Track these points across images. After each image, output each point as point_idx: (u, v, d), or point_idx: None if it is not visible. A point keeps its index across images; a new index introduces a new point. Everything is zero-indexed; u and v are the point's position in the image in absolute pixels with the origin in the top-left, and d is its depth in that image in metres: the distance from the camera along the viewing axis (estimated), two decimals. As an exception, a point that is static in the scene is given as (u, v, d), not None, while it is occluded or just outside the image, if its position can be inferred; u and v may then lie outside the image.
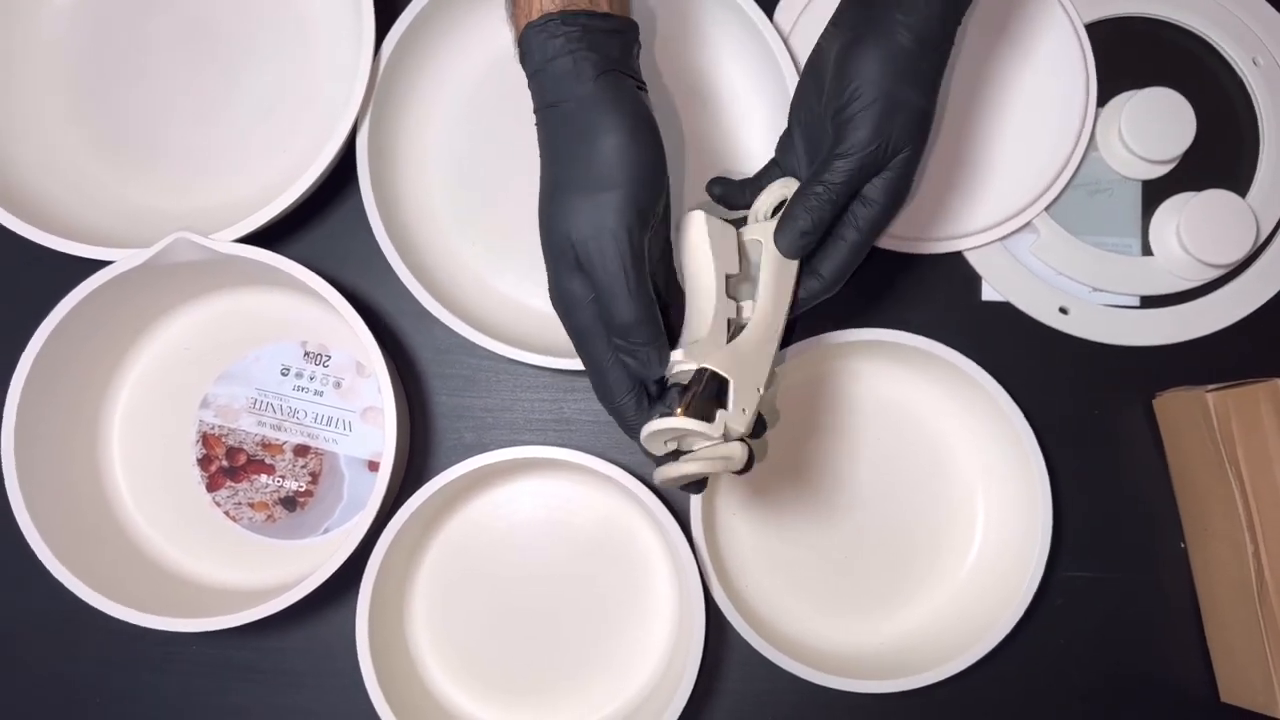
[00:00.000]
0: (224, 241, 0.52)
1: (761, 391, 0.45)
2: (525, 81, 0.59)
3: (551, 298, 0.45)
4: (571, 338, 0.45)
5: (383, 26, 0.55)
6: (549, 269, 0.44)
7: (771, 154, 0.52)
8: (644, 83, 0.45)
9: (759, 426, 0.46)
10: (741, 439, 0.44)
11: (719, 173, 0.58)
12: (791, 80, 0.55)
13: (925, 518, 0.59)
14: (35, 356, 0.52)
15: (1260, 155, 0.61)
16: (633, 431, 0.45)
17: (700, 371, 0.43)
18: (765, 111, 0.58)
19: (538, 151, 0.58)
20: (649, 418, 0.44)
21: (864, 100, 0.44)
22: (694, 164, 0.59)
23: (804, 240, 0.46)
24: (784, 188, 0.49)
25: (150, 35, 0.60)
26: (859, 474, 0.59)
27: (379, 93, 0.55)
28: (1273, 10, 0.61)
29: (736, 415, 0.43)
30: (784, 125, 0.51)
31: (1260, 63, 0.61)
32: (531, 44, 0.44)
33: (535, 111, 0.44)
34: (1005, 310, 0.60)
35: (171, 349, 0.58)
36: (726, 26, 0.58)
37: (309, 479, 0.58)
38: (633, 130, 0.42)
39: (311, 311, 0.58)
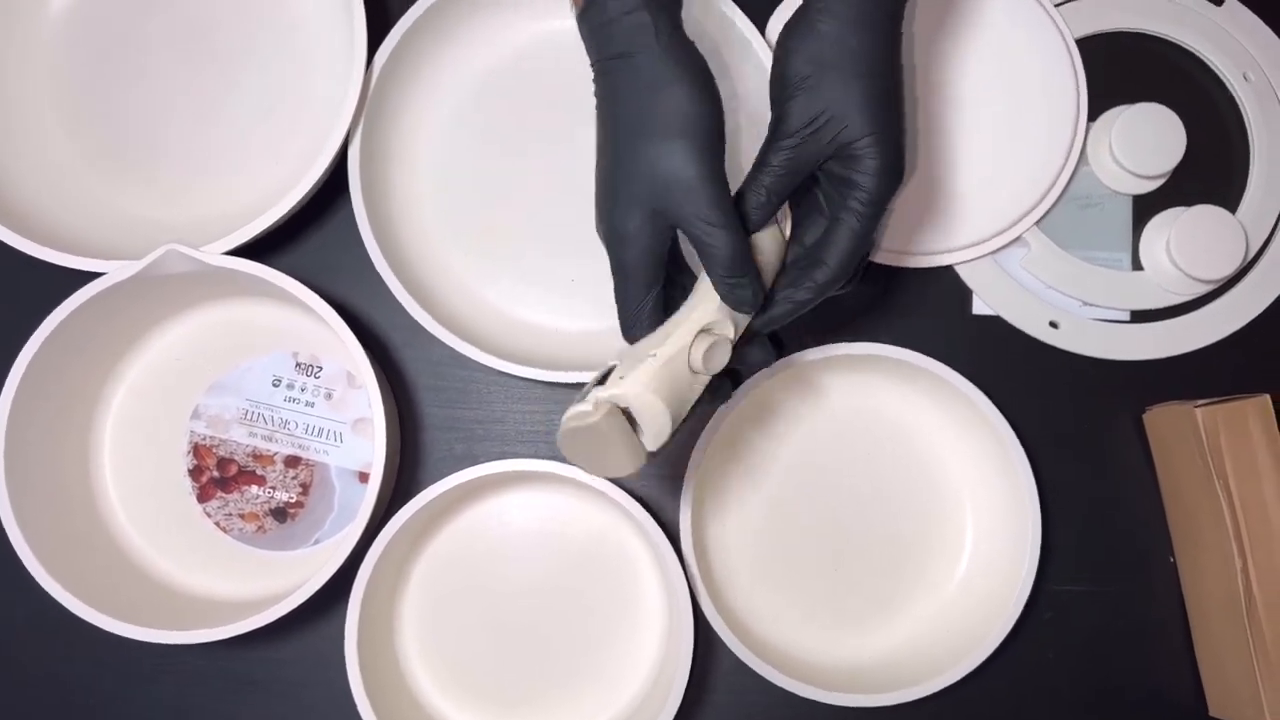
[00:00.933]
0: (214, 254, 0.52)
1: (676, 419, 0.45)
2: (516, 93, 0.60)
3: (602, 229, 0.46)
4: (613, 272, 0.46)
5: (375, 38, 0.55)
6: (608, 206, 0.46)
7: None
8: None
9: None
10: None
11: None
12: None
13: (914, 531, 0.59)
14: (26, 368, 0.52)
15: (1250, 171, 0.61)
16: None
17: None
18: (755, 127, 0.58)
19: (535, 158, 0.59)
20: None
21: (787, 84, 0.45)
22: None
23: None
24: None
25: (142, 45, 0.60)
26: (847, 487, 0.59)
27: (371, 104, 0.55)
28: (1264, 26, 0.61)
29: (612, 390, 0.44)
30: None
31: (1251, 78, 0.61)
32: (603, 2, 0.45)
33: (596, 63, 0.46)
34: (995, 324, 0.60)
35: (163, 360, 0.58)
36: (716, 38, 0.58)
37: (300, 490, 0.58)
38: (701, 83, 0.45)
39: (303, 323, 0.58)
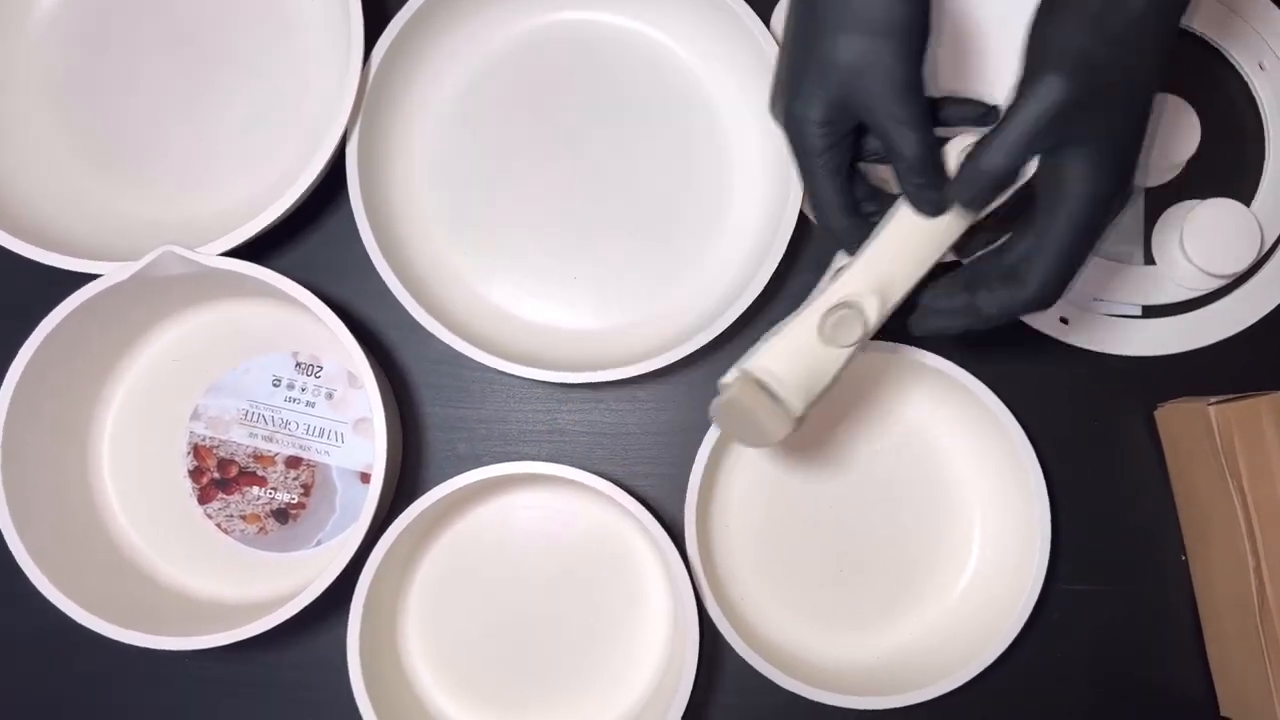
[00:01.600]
0: (211, 255, 0.51)
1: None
2: (517, 89, 0.59)
3: (785, 115, 0.45)
4: (795, 157, 0.46)
5: (372, 34, 0.54)
6: (796, 90, 0.44)
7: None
8: None
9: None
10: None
11: (709, 178, 0.57)
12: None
13: (922, 530, 0.58)
14: (23, 371, 0.51)
15: (1265, 162, 0.60)
16: (843, 236, 0.47)
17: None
18: (759, 123, 0.58)
19: (536, 155, 0.59)
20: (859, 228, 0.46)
21: (1042, 58, 0.42)
22: (681, 172, 0.58)
23: (980, 184, 0.44)
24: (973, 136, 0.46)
25: (137, 44, 0.59)
26: (855, 486, 0.58)
27: (368, 102, 0.54)
28: None
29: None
30: (776, 131, 0.50)
31: (1266, 67, 0.60)
32: None
33: None
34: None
35: (161, 361, 0.58)
36: (719, 30, 0.57)
37: (301, 491, 0.57)
38: None
39: (302, 322, 0.57)
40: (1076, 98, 0.41)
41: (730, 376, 0.45)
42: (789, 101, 0.45)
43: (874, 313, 0.45)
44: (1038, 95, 0.41)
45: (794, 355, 0.45)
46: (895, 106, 0.43)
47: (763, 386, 0.44)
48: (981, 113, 0.48)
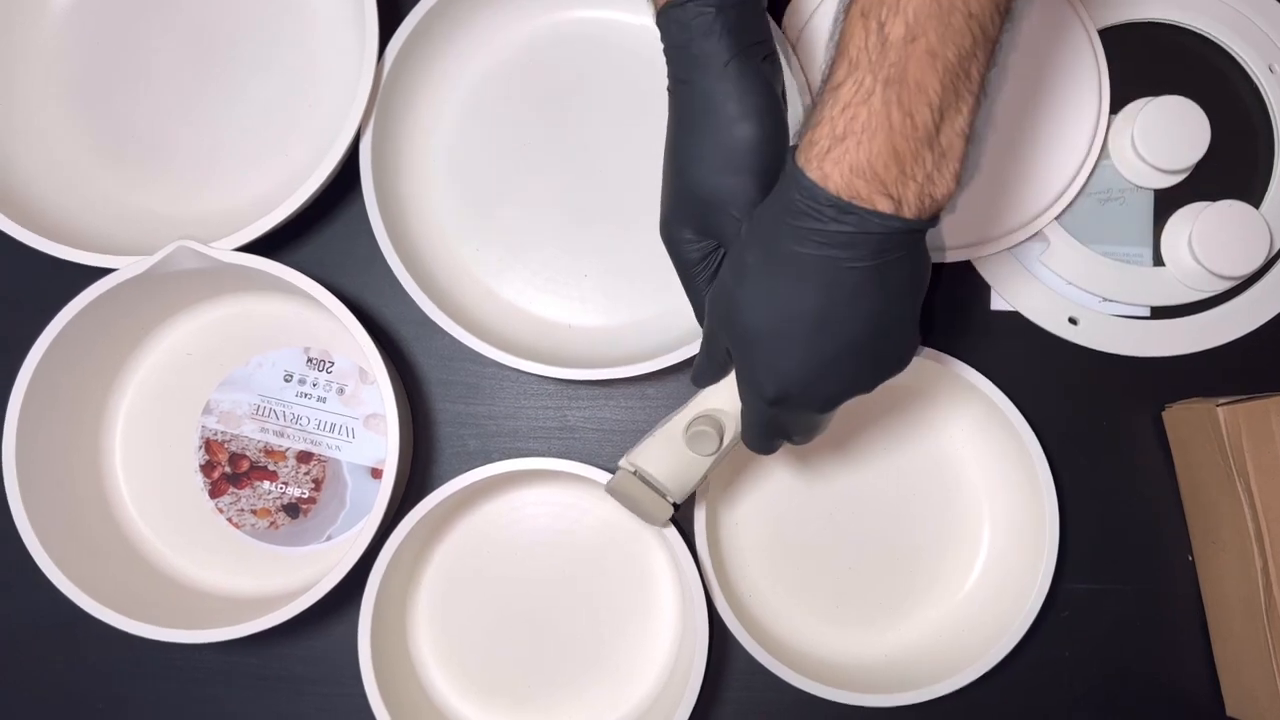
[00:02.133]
0: (225, 250, 0.52)
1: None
2: (530, 86, 0.59)
3: (664, 232, 0.48)
4: (676, 269, 0.48)
5: (386, 30, 0.54)
6: (670, 211, 0.47)
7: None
8: (773, 51, 0.46)
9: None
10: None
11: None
12: (799, 89, 0.54)
13: (930, 528, 0.58)
14: (36, 365, 0.51)
15: (1275, 165, 0.60)
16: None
17: None
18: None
19: (549, 152, 0.59)
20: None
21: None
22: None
23: None
24: None
25: (152, 39, 0.59)
26: (863, 484, 0.58)
27: (382, 99, 0.54)
28: (1290, 16, 0.60)
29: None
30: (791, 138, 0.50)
31: (1277, 70, 0.60)
32: (669, 24, 0.45)
33: (671, 82, 0.46)
34: (1014, 320, 0.59)
35: (174, 355, 0.58)
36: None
37: (312, 486, 0.57)
38: (759, 115, 0.44)
39: (314, 318, 0.57)
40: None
41: (621, 464, 0.49)
42: (664, 220, 0.47)
43: (730, 430, 0.48)
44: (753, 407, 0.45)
45: (666, 455, 0.49)
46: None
47: (643, 478, 0.49)
48: None
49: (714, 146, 0.44)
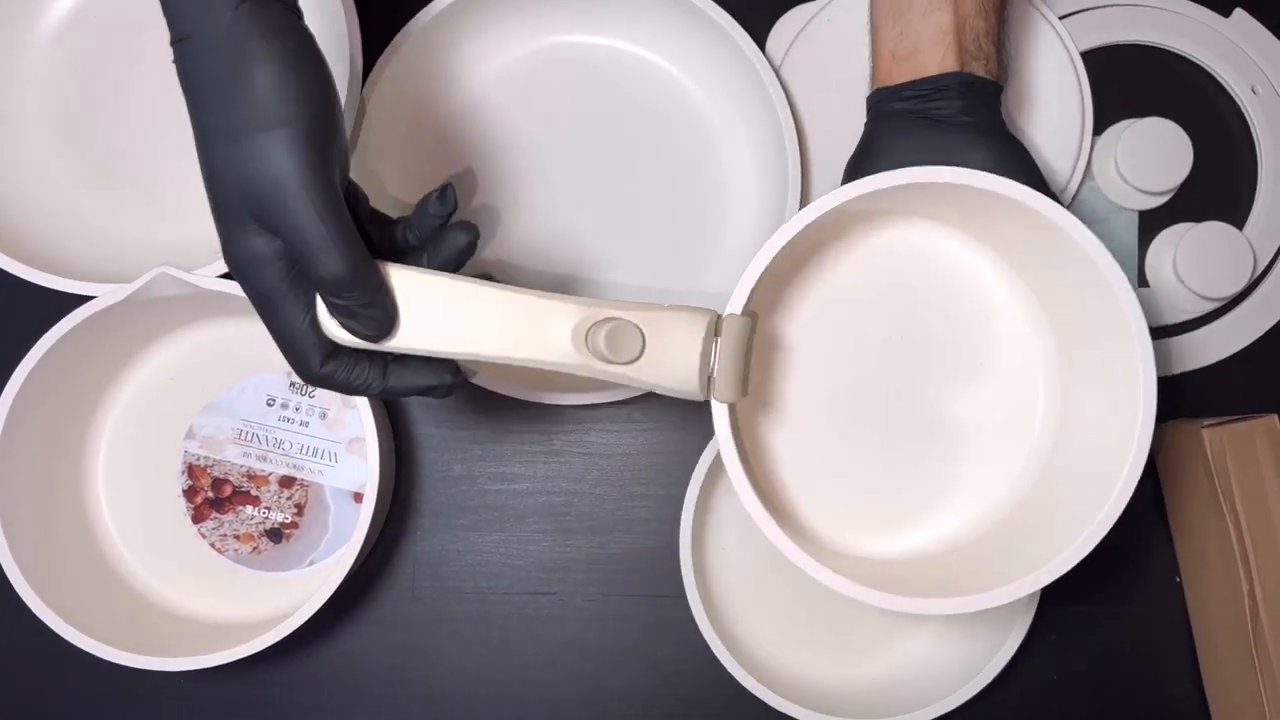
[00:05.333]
0: (206, 277, 0.51)
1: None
2: (514, 108, 0.59)
3: (228, 263, 0.38)
4: (256, 307, 0.39)
5: (371, 56, 0.54)
6: (220, 230, 0.38)
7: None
8: (298, 8, 0.38)
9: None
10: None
11: (705, 202, 0.57)
12: (782, 111, 0.54)
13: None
14: (17, 392, 0.51)
15: (1258, 186, 0.60)
16: (341, 387, 0.41)
17: None
18: (754, 146, 0.58)
19: (533, 175, 0.58)
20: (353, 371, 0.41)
21: None
22: (678, 193, 0.59)
23: None
24: None
25: (135, 67, 0.59)
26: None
27: (367, 123, 0.54)
28: (1272, 37, 0.60)
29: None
30: (771, 156, 0.50)
31: (1259, 91, 0.60)
32: None
33: (171, 45, 0.37)
34: (999, 341, 0.59)
35: (156, 381, 0.58)
36: (714, 54, 0.57)
37: (294, 510, 0.57)
38: (293, 57, 0.36)
39: (297, 342, 0.57)
40: None
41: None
42: (223, 246, 0.38)
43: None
44: None
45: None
46: (302, 217, 0.36)
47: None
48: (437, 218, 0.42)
49: (245, 104, 0.35)
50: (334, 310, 0.38)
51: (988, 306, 0.48)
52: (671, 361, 0.41)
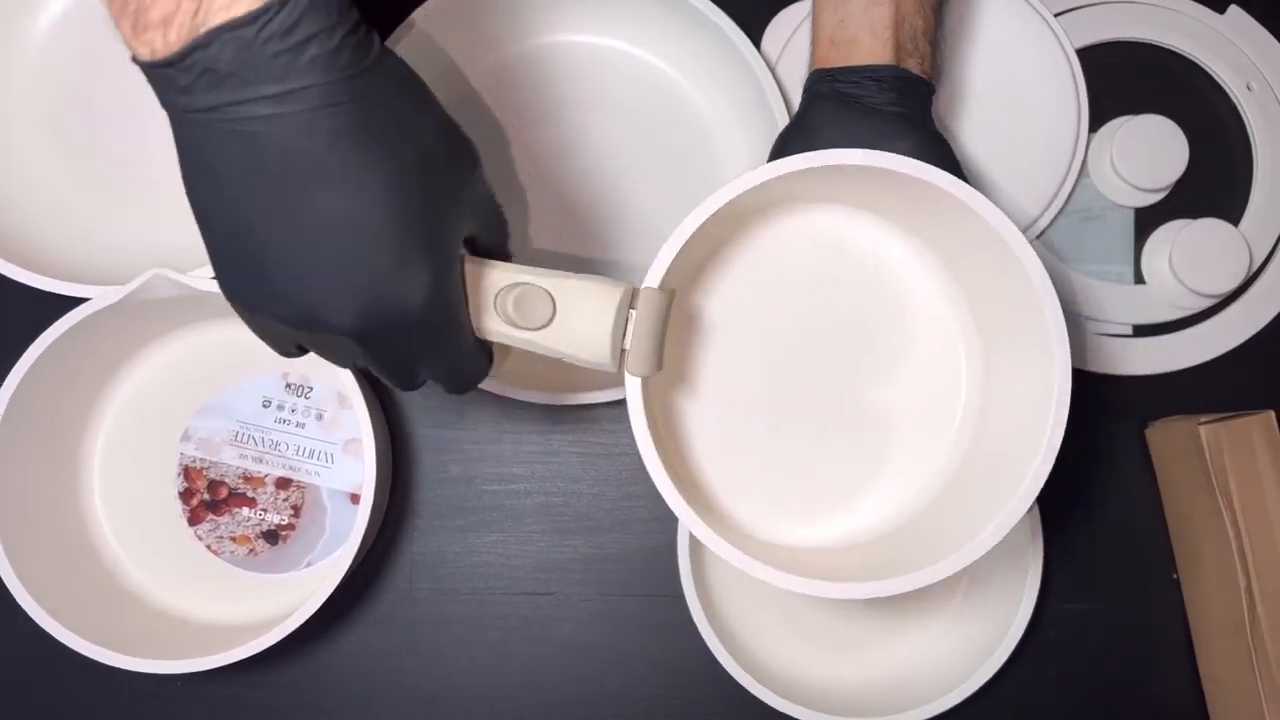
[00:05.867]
0: (202, 278, 0.51)
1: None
2: (510, 110, 0.59)
3: (386, 370, 0.38)
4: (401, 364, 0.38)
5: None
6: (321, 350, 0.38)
7: None
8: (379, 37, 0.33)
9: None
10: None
11: (700, 199, 0.57)
12: (778, 109, 0.54)
13: (915, 549, 0.58)
14: (12, 395, 0.51)
15: (1253, 182, 0.60)
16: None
17: None
18: (749, 143, 0.58)
19: (529, 175, 0.59)
20: None
21: None
22: (675, 192, 0.59)
23: None
24: None
25: (131, 69, 0.58)
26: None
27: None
28: (1267, 34, 0.61)
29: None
30: (767, 154, 0.50)
31: (1254, 88, 0.60)
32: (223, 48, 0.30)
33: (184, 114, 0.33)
34: (996, 339, 0.59)
35: (151, 382, 0.58)
36: (710, 52, 0.57)
37: (291, 512, 0.57)
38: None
39: (293, 343, 0.57)
40: None
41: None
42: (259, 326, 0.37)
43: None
44: None
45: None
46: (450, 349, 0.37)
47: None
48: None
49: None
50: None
51: (910, 294, 0.47)
52: (583, 331, 0.40)
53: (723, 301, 0.47)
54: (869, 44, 0.47)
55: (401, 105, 0.33)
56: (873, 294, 0.47)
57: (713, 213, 0.42)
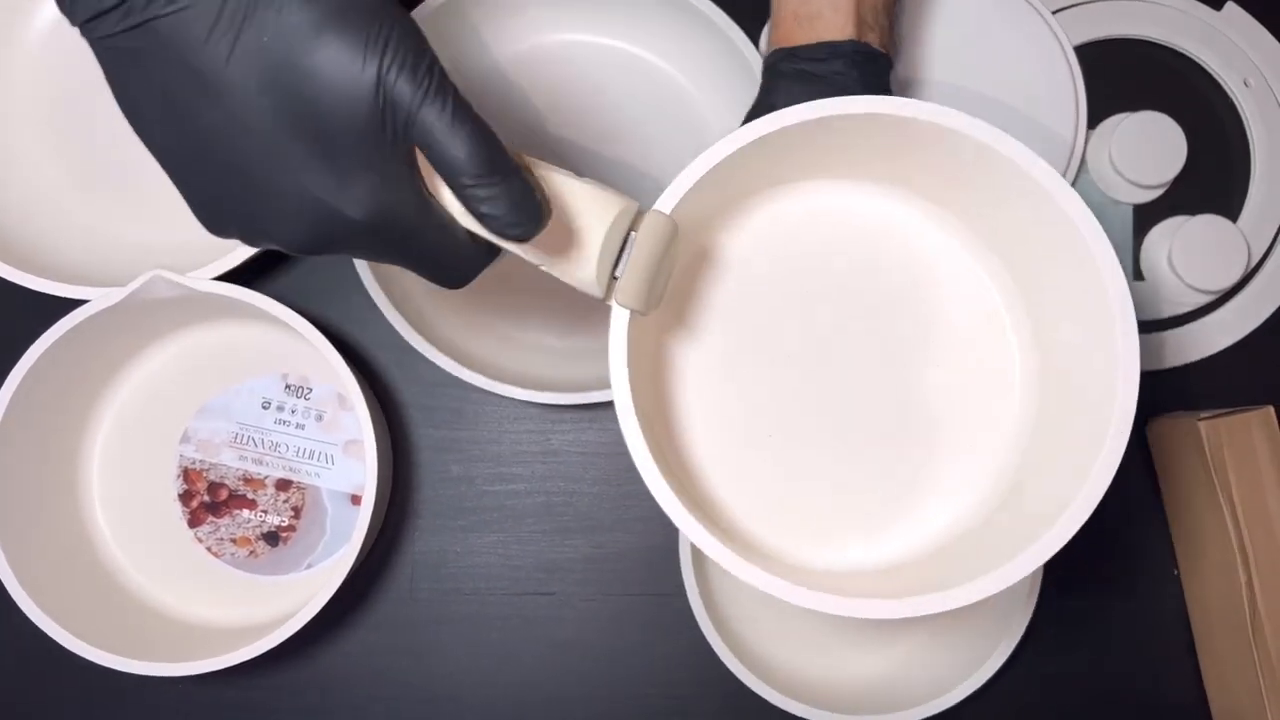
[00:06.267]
0: (201, 279, 0.51)
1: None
2: (510, 109, 0.59)
3: (369, 212, 0.33)
4: (402, 245, 0.35)
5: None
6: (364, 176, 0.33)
7: None
8: None
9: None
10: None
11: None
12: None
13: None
14: (11, 396, 0.51)
15: (1251, 179, 0.60)
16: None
17: None
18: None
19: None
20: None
21: None
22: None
23: None
24: None
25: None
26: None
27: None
28: (1264, 31, 0.61)
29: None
30: None
31: (1251, 84, 0.60)
32: None
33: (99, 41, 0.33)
34: (996, 336, 0.59)
35: (151, 384, 0.58)
36: (710, 52, 0.57)
37: (291, 513, 0.57)
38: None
39: (292, 344, 0.57)
40: None
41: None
42: (363, 196, 0.33)
43: None
44: None
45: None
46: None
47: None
48: None
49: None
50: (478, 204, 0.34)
51: (944, 275, 0.43)
52: (569, 240, 0.35)
53: (743, 259, 0.43)
54: (831, 19, 0.47)
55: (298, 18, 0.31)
56: (907, 276, 0.43)
57: (748, 142, 0.38)
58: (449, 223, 0.35)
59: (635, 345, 0.38)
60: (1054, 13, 0.59)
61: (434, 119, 0.32)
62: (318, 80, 0.31)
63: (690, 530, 0.37)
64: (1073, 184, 0.59)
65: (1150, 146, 0.57)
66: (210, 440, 0.57)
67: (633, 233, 0.37)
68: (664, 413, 0.43)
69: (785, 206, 0.45)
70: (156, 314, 0.54)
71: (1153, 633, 0.59)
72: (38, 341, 0.51)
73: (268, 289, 0.52)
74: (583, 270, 0.36)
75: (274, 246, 0.35)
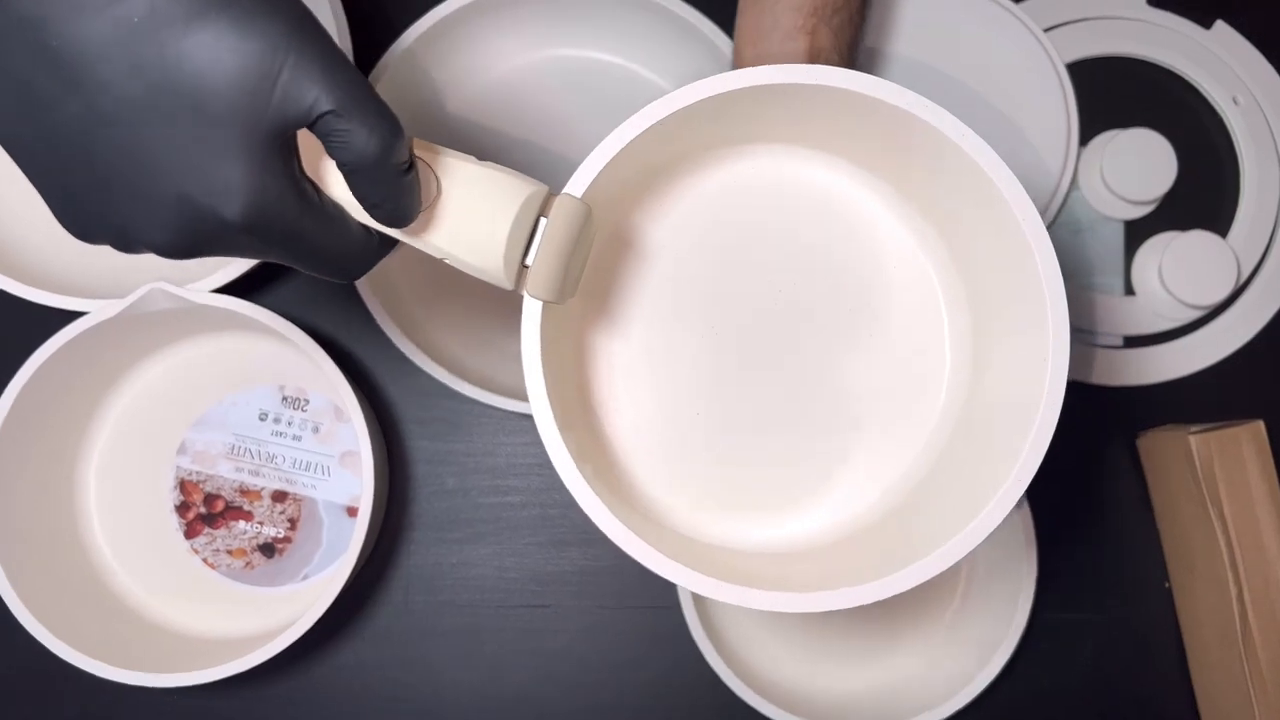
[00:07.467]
0: (199, 291, 0.51)
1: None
2: (504, 122, 0.59)
3: (251, 207, 0.30)
4: (289, 241, 0.32)
5: (362, 67, 0.54)
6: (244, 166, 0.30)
7: None
8: None
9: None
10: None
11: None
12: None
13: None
14: (9, 408, 0.51)
15: (1241, 195, 0.61)
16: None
17: None
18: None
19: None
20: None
21: None
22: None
23: None
24: None
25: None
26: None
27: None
28: (1252, 49, 0.61)
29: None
30: None
31: (1240, 102, 0.61)
32: None
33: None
34: (988, 351, 0.60)
35: (148, 395, 0.58)
36: (703, 69, 0.57)
37: (287, 525, 0.57)
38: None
39: (289, 356, 0.57)
40: None
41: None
42: (244, 184, 0.30)
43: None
44: None
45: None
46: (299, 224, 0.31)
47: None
48: None
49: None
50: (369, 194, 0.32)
51: (886, 251, 0.41)
52: (472, 228, 0.33)
53: (665, 241, 0.41)
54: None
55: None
56: (841, 250, 0.41)
57: (653, 123, 0.36)
58: (336, 215, 0.33)
59: (554, 336, 0.37)
60: (1046, 31, 0.60)
61: (335, 103, 0.29)
62: (193, 63, 0.28)
63: (590, 507, 0.37)
64: (1064, 200, 0.59)
65: (1141, 163, 0.58)
66: (207, 452, 0.57)
67: (543, 218, 0.35)
68: (588, 400, 0.41)
69: (709, 183, 0.42)
70: (155, 326, 0.54)
71: (1144, 645, 0.59)
72: (36, 353, 0.51)
73: (266, 301, 0.52)
74: (489, 260, 0.34)
75: (148, 252, 0.32)
